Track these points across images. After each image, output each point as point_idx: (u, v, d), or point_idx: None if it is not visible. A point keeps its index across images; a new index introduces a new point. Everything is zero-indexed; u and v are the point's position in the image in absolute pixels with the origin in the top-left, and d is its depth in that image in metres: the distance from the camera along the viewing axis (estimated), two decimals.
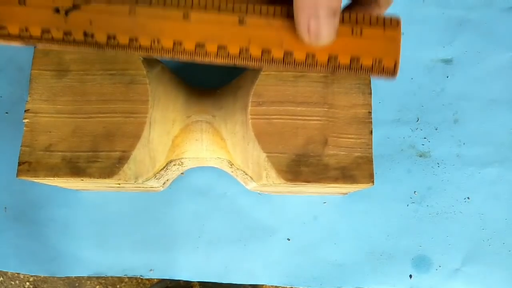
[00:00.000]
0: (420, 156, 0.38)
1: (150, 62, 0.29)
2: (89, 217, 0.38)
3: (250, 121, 0.27)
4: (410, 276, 0.36)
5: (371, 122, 0.27)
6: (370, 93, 0.28)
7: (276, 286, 0.40)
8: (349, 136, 0.27)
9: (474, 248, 0.37)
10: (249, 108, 0.27)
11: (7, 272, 0.77)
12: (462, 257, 0.37)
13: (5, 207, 0.38)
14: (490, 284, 0.36)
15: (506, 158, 0.38)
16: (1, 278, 0.78)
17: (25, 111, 0.28)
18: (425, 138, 0.39)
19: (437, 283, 0.36)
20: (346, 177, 0.27)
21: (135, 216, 0.38)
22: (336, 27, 0.23)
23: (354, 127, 0.27)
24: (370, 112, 0.28)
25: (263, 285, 0.58)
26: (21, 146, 0.28)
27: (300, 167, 0.27)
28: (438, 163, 0.38)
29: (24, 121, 0.28)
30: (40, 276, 0.76)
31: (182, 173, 0.38)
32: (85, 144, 0.28)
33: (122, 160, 0.27)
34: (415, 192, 0.38)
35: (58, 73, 0.28)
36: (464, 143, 0.39)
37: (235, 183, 0.38)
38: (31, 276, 0.77)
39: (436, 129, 0.39)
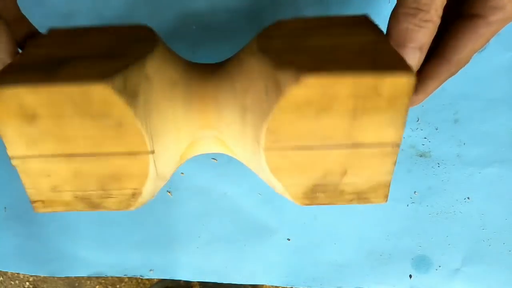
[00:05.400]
0: (420, 156, 0.38)
1: (131, 90, 0.24)
2: (89, 217, 0.38)
3: (264, 156, 0.25)
4: (410, 276, 0.36)
5: (397, 153, 0.25)
6: (404, 125, 0.25)
7: (276, 286, 0.40)
8: (371, 167, 0.26)
9: (474, 248, 0.37)
10: (263, 144, 0.25)
11: (7, 272, 0.77)
12: (462, 257, 0.37)
13: (5, 207, 0.38)
14: (490, 284, 0.36)
15: (506, 158, 0.38)
16: (1, 278, 0.78)
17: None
18: (425, 138, 0.39)
19: (437, 283, 0.36)
20: (361, 199, 0.26)
21: (135, 216, 0.38)
22: (418, 62, 0.24)
23: (378, 160, 0.25)
24: (398, 145, 0.25)
25: (263, 285, 0.58)
26: (25, 187, 0.26)
27: (316, 194, 0.27)
28: (438, 163, 0.38)
29: (14, 166, 0.25)
30: (40, 276, 0.76)
31: (182, 173, 0.38)
32: (92, 184, 0.26)
33: (135, 195, 0.27)
34: (415, 192, 0.38)
35: (25, 119, 0.23)
36: (464, 143, 0.39)
37: (235, 183, 0.38)
38: (31, 276, 0.77)
39: (436, 129, 0.39)
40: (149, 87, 0.25)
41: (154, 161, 0.26)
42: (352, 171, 0.26)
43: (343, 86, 0.22)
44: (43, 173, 0.26)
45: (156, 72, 0.25)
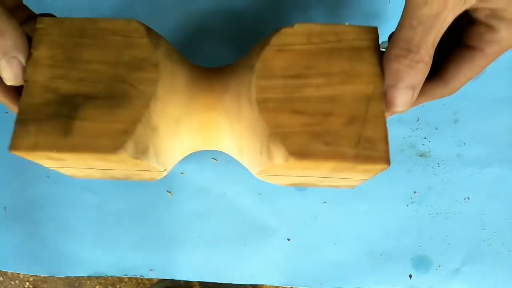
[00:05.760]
0: (420, 156, 0.38)
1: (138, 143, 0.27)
2: (89, 217, 0.38)
3: (257, 176, 0.31)
4: (410, 276, 0.36)
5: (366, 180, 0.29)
6: (372, 177, 0.29)
7: (276, 286, 0.40)
8: (342, 183, 0.30)
9: (474, 248, 0.37)
10: (256, 173, 0.30)
11: (7, 272, 0.77)
12: (462, 257, 0.37)
13: (5, 207, 0.38)
14: (490, 284, 0.36)
15: (506, 158, 0.38)
16: (1, 278, 0.78)
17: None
18: (425, 138, 0.39)
19: (437, 283, 0.36)
20: (332, 186, 0.32)
21: (135, 216, 0.38)
22: (410, 100, 0.25)
23: (349, 182, 0.30)
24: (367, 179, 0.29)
25: (263, 285, 0.58)
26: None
27: (298, 184, 0.33)
28: (438, 163, 0.38)
29: (50, 168, 0.30)
30: (40, 276, 0.76)
31: (182, 173, 0.38)
32: (118, 175, 0.32)
33: (153, 179, 0.32)
34: (415, 192, 0.38)
35: (55, 160, 0.27)
36: (464, 143, 0.39)
37: (235, 183, 0.38)
38: (31, 276, 0.77)
39: (436, 129, 0.39)
40: (156, 136, 0.28)
41: (166, 171, 0.31)
42: (327, 182, 0.31)
43: (324, 167, 0.26)
44: (76, 171, 0.31)
45: (160, 117, 0.28)
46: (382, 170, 0.26)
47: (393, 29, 0.41)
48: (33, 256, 0.37)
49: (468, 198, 0.38)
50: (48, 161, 0.27)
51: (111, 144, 0.25)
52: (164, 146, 0.29)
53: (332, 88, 0.26)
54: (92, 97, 0.26)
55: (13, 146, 0.25)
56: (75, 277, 0.52)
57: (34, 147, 0.25)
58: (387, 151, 0.25)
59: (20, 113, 0.26)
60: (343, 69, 0.26)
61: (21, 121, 0.25)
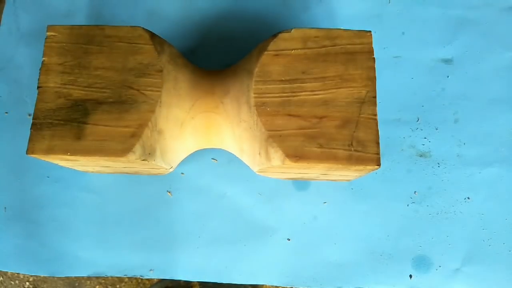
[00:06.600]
0: (420, 156, 0.38)
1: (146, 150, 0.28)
2: (89, 217, 0.38)
3: (257, 173, 0.33)
4: (410, 276, 0.36)
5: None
6: (366, 174, 0.31)
7: (276, 286, 0.40)
8: (337, 178, 0.32)
9: (474, 248, 0.37)
10: (256, 171, 0.32)
11: (7, 272, 0.77)
12: (462, 257, 0.37)
13: (5, 207, 0.38)
14: (490, 284, 0.36)
15: (506, 158, 0.38)
16: (1, 278, 0.78)
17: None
18: (425, 138, 0.39)
19: (437, 283, 0.36)
20: (329, 179, 0.34)
21: (135, 216, 0.38)
22: None
23: (343, 178, 0.32)
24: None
25: (263, 285, 0.58)
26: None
27: (297, 178, 0.35)
28: (438, 163, 0.38)
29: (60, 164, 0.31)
30: (40, 276, 0.76)
31: (182, 173, 0.38)
32: (127, 171, 0.34)
33: (161, 173, 0.35)
34: (415, 192, 0.38)
35: (69, 161, 0.29)
36: (464, 143, 0.38)
37: (235, 183, 0.38)
38: (31, 276, 0.77)
39: (437, 129, 0.39)
40: (162, 138, 0.29)
41: (172, 169, 0.33)
42: (323, 177, 0.33)
43: (319, 167, 0.27)
44: (89, 168, 0.33)
45: (165, 120, 0.29)
46: (373, 170, 0.27)
47: (393, 29, 0.41)
48: (33, 256, 0.37)
49: (468, 198, 0.38)
50: (63, 161, 0.29)
51: (120, 147, 0.26)
52: (170, 147, 0.30)
53: (326, 92, 0.27)
54: (101, 102, 0.27)
55: (29, 150, 0.26)
56: (75, 277, 0.52)
57: (49, 151, 0.26)
58: (378, 152, 0.26)
59: (35, 117, 0.27)
60: (337, 73, 0.28)
61: (36, 126, 0.27)
